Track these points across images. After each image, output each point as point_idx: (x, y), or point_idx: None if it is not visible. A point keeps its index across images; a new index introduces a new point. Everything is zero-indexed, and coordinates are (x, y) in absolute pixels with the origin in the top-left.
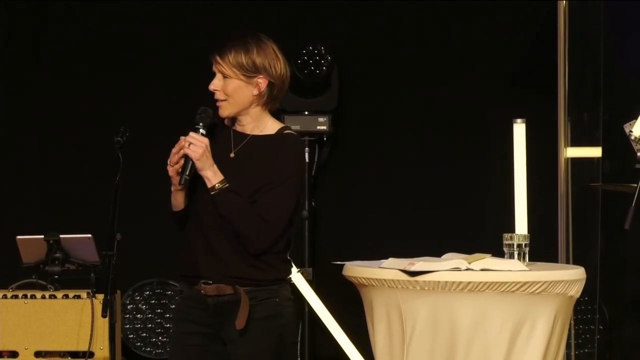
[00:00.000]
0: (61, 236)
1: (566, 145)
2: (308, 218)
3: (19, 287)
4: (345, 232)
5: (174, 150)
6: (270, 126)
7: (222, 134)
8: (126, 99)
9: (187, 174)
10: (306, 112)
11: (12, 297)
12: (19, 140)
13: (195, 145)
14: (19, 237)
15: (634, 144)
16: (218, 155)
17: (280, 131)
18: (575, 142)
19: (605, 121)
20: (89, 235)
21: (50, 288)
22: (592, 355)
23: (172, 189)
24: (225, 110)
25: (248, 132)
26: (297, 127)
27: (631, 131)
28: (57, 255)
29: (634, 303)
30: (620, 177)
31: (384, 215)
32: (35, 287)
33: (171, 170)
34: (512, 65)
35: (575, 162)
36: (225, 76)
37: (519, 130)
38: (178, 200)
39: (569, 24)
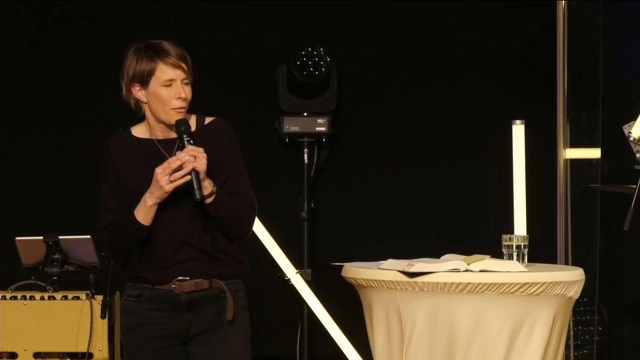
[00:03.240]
0: (60, 237)
1: (565, 146)
2: (307, 219)
3: (18, 289)
4: (344, 233)
5: (172, 165)
6: None
7: (144, 146)
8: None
9: (199, 187)
10: (305, 114)
11: (11, 299)
12: (18, 141)
13: (200, 158)
14: (18, 238)
15: (632, 145)
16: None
17: (201, 122)
18: (574, 143)
19: (604, 122)
20: (88, 237)
21: (50, 289)
22: (591, 356)
23: (154, 202)
24: (183, 116)
25: (173, 136)
26: (296, 129)
27: (630, 132)
28: (56, 256)
29: (632, 304)
30: (619, 178)
31: (383, 217)
32: (34, 288)
33: (171, 187)
34: (511, 66)
35: (574, 163)
36: (186, 82)
37: (518, 131)
38: (151, 215)
39: (568, 24)
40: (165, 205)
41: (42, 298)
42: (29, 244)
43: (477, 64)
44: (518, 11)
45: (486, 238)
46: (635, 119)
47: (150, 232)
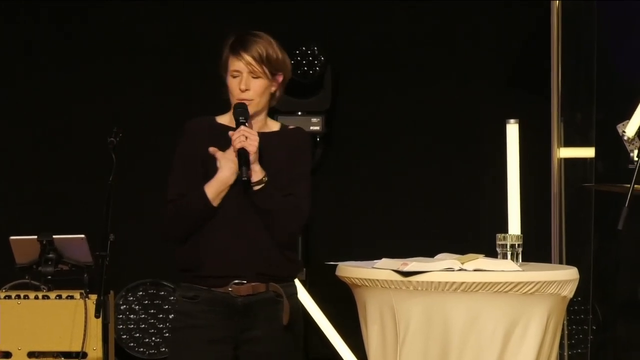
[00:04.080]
0: (54, 237)
1: (559, 146)
2: None
3: (12, 288)
4: (338, 232)
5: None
6: (270, 123)
7: (222, 132)
8: (121, 99)
9: (247, 166)
10: (299, 113)
11: (5, 298)
12: (12, 140)
13: (251, 139)
14: (12, 237)
15: (627, 144)
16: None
17: (284, 127)
18: (569, 143)
19: (599, 121)
20: (82, 236)
21: (44, 288)
22: (585, 355)
23: (222, 187)
24: (251, 110)
25: (254, 129)
26: None
27: (624, 131)
28: (51, 255)
29: (626, 303)
30: (614, 177)
31: (378, 216)
32: (28, 287)
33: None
34: (505, 65)
35: (569, 162)
36: (255, 76)
37: (512, 130)
38: (222, 195)
39: (563, 24)
40: (225, 202)
41: (37, 297)
42: (23, 243)
43: (472, 63)
44: (513, 11)
45: (480, 237)
46: (629, 118)
47: (212, 223)
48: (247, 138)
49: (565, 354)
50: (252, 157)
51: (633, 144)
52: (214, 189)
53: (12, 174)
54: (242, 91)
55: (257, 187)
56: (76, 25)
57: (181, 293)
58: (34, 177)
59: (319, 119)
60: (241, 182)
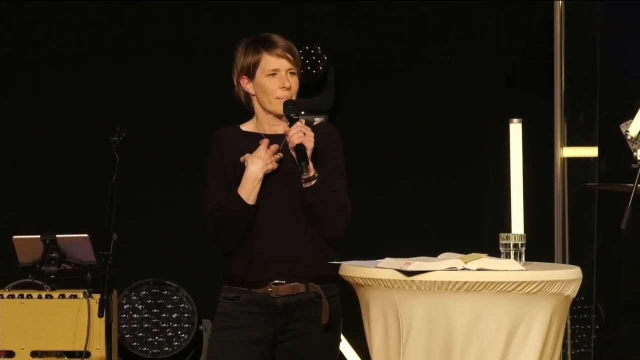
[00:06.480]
0: (57, 236)
1: (562, 145)
2: None
3: (15, 287)
4: None
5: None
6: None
7: (250, 139)
8: (123, 99)
9: (306, 162)
10: (302, 112)
11: (8, 297)
12: (15, 140)
13: (309, 134)
14: (15, 237)
15: (630, 143)
16: None
17: (308, 123)
18: (572, 142)
19: (602, 121)
20: (86, 235)
21: (47, 288)
22: (589, 355)
23: (252, 183)
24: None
25: (280, 132)
26: None
27: (627, 131)
28: (54, 255)
29: (630, 303)
30: (617, 176)
31: (381, 215)
32: (31, 287)
33: (274, 157)
34: (508, 65)
35: (572, 161)
36: (292, 73)
37: (516, 130)
38: (256, 192)
39: (566, 23)
40: (265, 203)
41: (40, 297)
42: (26, 243)
43: (475, 63)
44: (516, 10)
45: (483, 237)
46: (632, 117)
47: (252, 227)
48: (305, 134)
49: (569, 353)
50: (310, 152)
51: (636, 143)
52: (246, 186)
53: (15, 173)
54: (287, 89)
55: (310, 184)
56: (77, 25)
57: (222, 295)
58: (37, 176)
59: (322, 119)
60: (277, 182)
